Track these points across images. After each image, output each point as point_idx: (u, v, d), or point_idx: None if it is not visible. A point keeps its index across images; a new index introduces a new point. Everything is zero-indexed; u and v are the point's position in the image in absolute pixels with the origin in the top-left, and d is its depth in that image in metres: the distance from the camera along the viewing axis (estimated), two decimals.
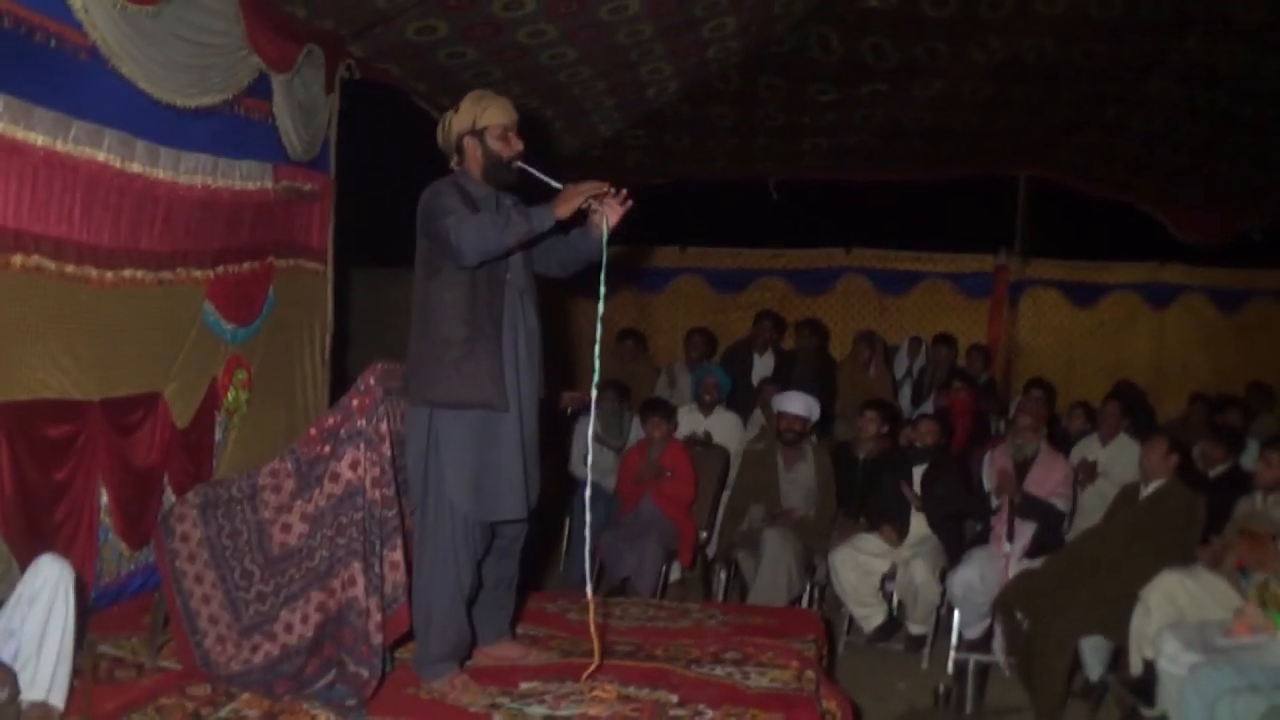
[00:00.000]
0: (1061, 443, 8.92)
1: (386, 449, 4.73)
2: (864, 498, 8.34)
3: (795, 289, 13.61)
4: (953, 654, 7.26)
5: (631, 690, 4.77)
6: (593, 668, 4.70)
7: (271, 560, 4.82)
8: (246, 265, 6.56)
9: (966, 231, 13.47)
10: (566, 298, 9.93)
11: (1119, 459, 8.84)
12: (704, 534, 8.59)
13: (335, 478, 4.68)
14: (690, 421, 9.52)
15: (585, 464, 8.83)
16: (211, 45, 5.74)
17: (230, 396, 6.49)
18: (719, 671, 5.08)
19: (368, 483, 4.65)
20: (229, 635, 4.82)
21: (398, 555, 4.74)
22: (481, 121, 4.85)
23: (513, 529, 5.06)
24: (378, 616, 4.60)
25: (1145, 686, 5.97)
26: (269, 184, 6.63)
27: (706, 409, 9.71)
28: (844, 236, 13.68)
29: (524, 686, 4.83)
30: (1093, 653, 6.64)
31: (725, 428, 9.65)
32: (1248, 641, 5.57)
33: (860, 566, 7.71)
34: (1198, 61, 10.18)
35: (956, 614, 7.35)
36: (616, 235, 4.70)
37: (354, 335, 9.11)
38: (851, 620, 7.88)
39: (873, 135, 12.05)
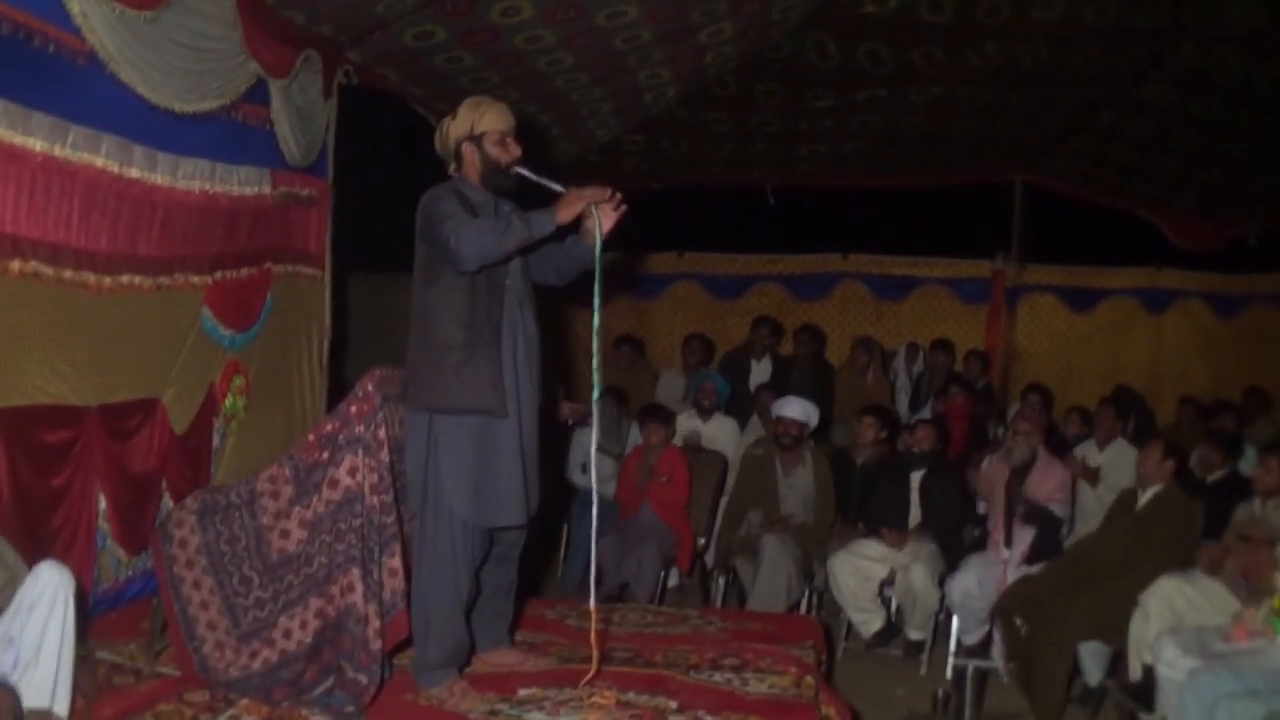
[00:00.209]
0: (1059, 448, 8.92)
1: (385, 455, 4.72)
2: (862, 503, 8.33)
3: (792, 294, 13.61)
4: (951, 660, 7.25)
5: (630, 696, 4.76)
6: (590, 675, 4.71)
7: (270, 566, 4.82)
8: (244, 271, 6.55)
9: (963, 237, 13.47)
10: (564, 304, 9.93)
11: (1116, 463, 8.86)
12: (702, 540, 8.57)
13: (334, 484, 4.67)
14: (687, 426, 9.53)
15: (583, 472, 8.87)
16: (209, 51, 5.73)
17: (228, 402, 6.48)
18: (718, 678, 5.07)
19: (366, 489, 4.64)
20: (227, 641, 4.81)
21: (396, 562, 4.74)
22: (480, 127, 4.86)
23: (511, 535, 5.06)
24: (376, 623, 4.60)
25: (1144, 692, 5.96)
26: (267, 189, 6.63)
27: (705, 414, 9.72)
28: (841, 242, 13.69)
29: (522, 693, 4.82)
30: (1091, 658, 6.64)
31: (723, 433, 9.65)
32: (1246, 646, 5.56)
33: (859, 572, 7.70)
34: (1192, 67, 10.21)
35: (955, 620, 7.35)
36: (610, 242, 4.70)
37: (352, 341, 9.11)
38: (850, 626, 7.86)
39: (870, 141, 12.07)
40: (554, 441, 8.05)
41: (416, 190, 4.84)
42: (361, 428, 4.66)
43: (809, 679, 5.10)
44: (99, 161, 5.17)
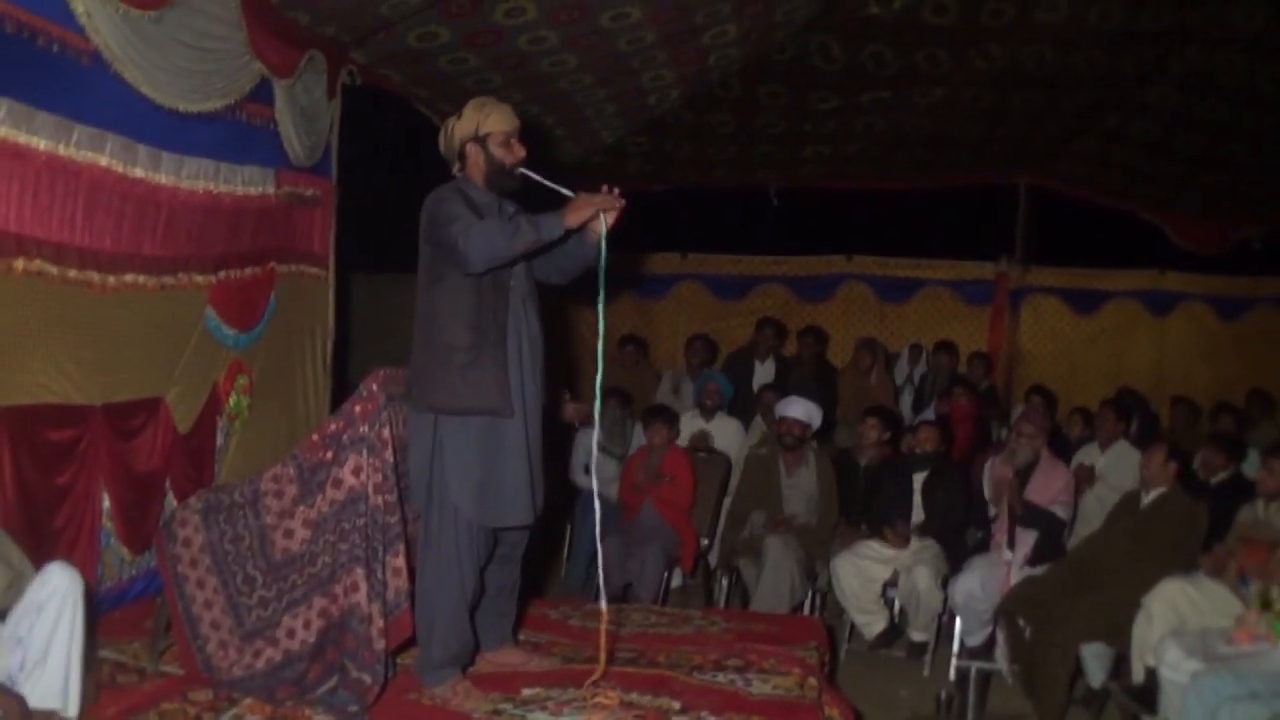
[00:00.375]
0: (1063, 450, 8.92)
1: (389, 455, 4.72)
2: (865, 504, 8.34)
3: (796, 296, 13.64)
4: (954, 661, 7.24)
5: (634, 697, 4.76)
6: (596, 676, 4.71)
7: (274, 566, 4.81)
8: (248, 271, 6.56)
9: (967, 239, 13.50)
10: (567, 303, 9.93)
11: (1117, 465, 8.85)
12: (705, 541, 8.57)
13: (338, 483, 4.67)
14: (692, 427, 9.54)
15: (586, 473, 8.86)
16: (214, 51, 5.74)
17: (232, 402, 6.49)
18: (721, 678, 5.06)
19: (370, 489, 4.64)
20: (231, 641, 4.81)
21: (400, 561, 4.73)
22: (484, 128, 4.85)
23: (515, 535, 5.06)
24: (380, 622, 4.59)
25: (1147, 694, 5.95)
26: (271, 189, 6.64)
27: (708, 414, 9.73)
28: (845, 244, 13.71)
29: (526, 693, 4.82)
30: (1094, 660, 6.63)
31: (727, 433, 9.66)
32: (1249, 649, 5.56)
33: (862, 573, 7.70)
34: (1197, 70, 10.21)
35: (958, 621, 7.34)
36: (613, 242, 4.70)
37: (355, 341, 9.11)
38: (853, 627, 7.86)
39: (874, 143, 12.07)
40: (556, 442, 8.05)
41: (420, 191, 4.84)
42: (366, 427, 4.66)
43: (812, 680, 5.10)
44: (103, 161, 5.18)
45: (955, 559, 7.68)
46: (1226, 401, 10.96)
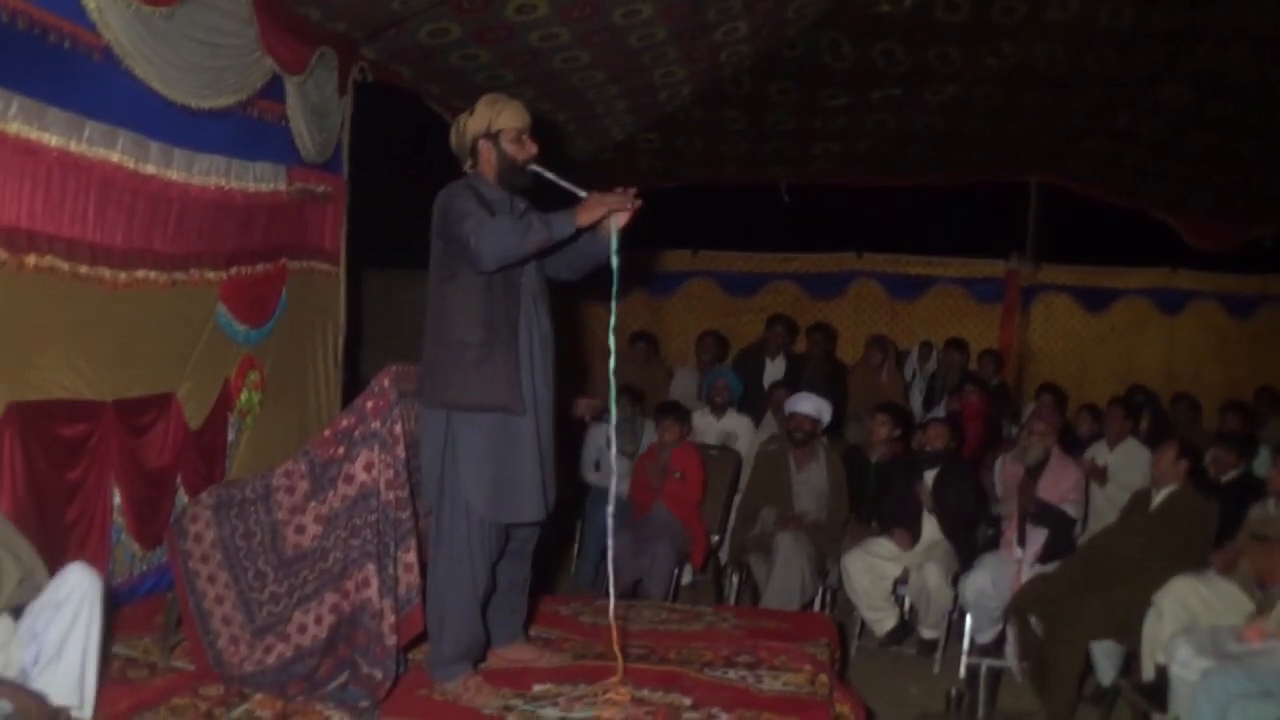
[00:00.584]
0: (1073, 448, 8.91)
1: (401, 451, 4.73)
2: (876, 501, 8.34)
3: (807, 293, 13.63)
4: (965, 658, 7.23)
5: (645, 693, 4.76)
6: (616, 678, 4.72)
7: (285, 561, 4.82)
8: (259, 267, 6.57)
9: (978, 236, 13.47)
10: (577, 300, 9.93)
11: (1126, 463, 8.85)
12: (716, 537, 8.58)
13: (349, 479, 4.68)
14: (705, 424, 9.54)
15: (596, 470, 8.87)
16: (225, 47, 5.75)
17: (243, 398, 6.50)
18: (732, 675, 5.07)
19: (382, 484, 4.65)
20: (242, 636, 4.82)
21: (411, 557, 4.74)
22: (497, 124, 4.85)
23: (526, 531, 5.06)
24: (391, 618, 4.60)
25: (1157, 691, 5.94)
26: (282, 186, 6.65)
27: (718, 411, 9.73)
28: (856, 241, 13.69)
29: (537, 689, 4.83)
30: (1105, 658, 6.62)
31: (737, 430, 9.64)
32: (1260, 647, 5.54)
33: (872, 570, 7.69)
34: (1208, 69, 10.17)
35: (968, 618, 7.34)
36: (624, 239, 4.69)
37: (366, 337, 9.12)
38: (864, 624, 7.86)
39: (884, 140, 12.05)
40: (567, 438, 8.06)
41: (431, 188, 4.84)
42: (377, 423, 4.67)
43: (823, 677, 5.10)
44: (114, 157, 5.18)
45: (966, 556, 7.67)
46: (1236, 399, 10.93)
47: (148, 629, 5.15)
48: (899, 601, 7.83)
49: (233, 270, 6.29)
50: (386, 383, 4.73)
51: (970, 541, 7.85)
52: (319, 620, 4.69)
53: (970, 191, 13.38)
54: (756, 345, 11.65)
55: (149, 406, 5.70)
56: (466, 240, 4.54)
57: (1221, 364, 13.11)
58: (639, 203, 4.60)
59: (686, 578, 8.59)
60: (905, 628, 7.79)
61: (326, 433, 4.87)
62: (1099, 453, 9.17)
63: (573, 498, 8.69)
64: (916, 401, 11.79)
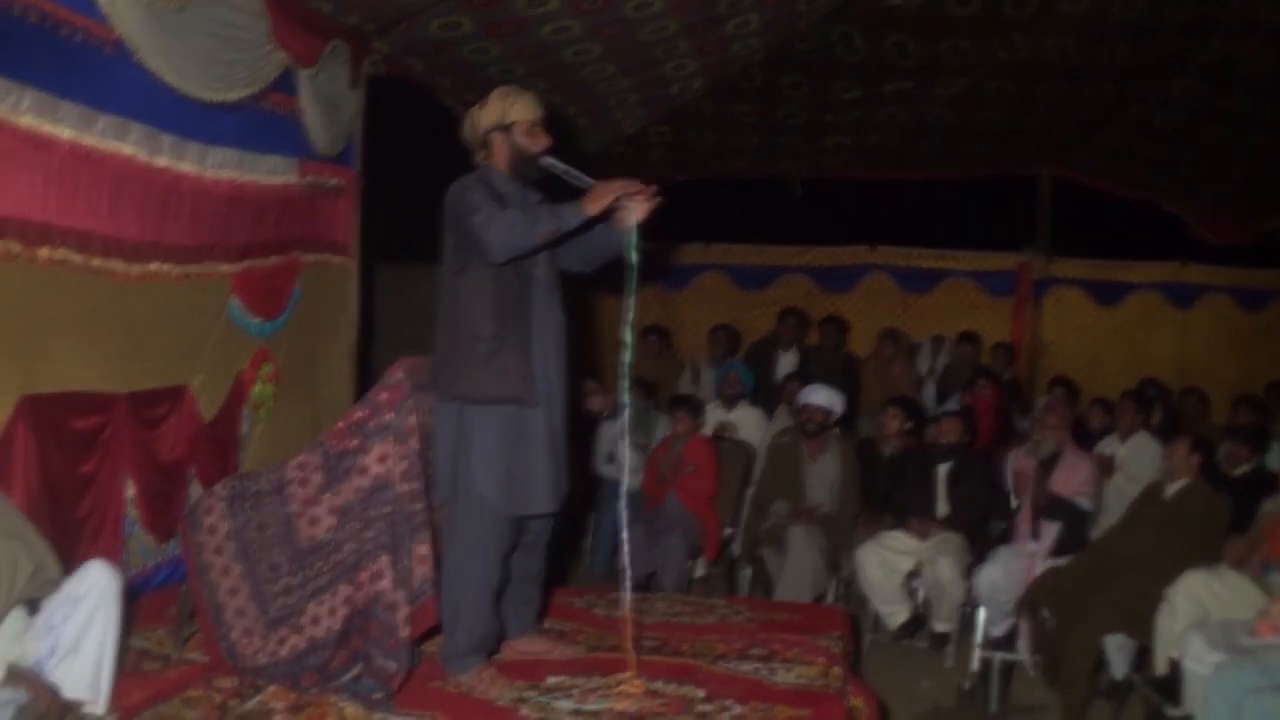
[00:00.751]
0: (1085, 441, 8.89)
1: (414, 443, 4.73)
2: (889, 495, 8.33)
3: (819, 286, 13.63)
4: (977, 652, 7.20)
5: (659, 685, 4.76)
6: (629, 675, 4.72)
7: (299, 553, 4.83)
8: (272, 260, 6.58)
9: (990, 230, 13.48)
10: (590, 292, 9.93)
11: (1138, 456, 8.84)
12: (728, 530, 8.58)
13: (363, 471, 4.69)
14: (714, 417, 9.54)
15: (609, 462, 8.87)
16: (237, 40, 5.75)
17: (256, 390, 6.51)
18: (745, 667, 5.07)
19: (395, 476, 4.66)
20: (256, 628, 4.83)
21: (425, 549, 4.74)
22: (510, 117, 4.85)
23: (539, 523, 5.06)
24: (405, 610, 4.61)
25: (1170, 685, 5.94)
26: (295, 179, 6.66)
27: (730, 403, 9.73)
28: (867, 234, 13.69)
29: (551, 680, 4.83)
30: (1117, 651, 6.61)
31: (749, 423, 9.67)
32: (1273, 641, 5.53)
33: (885, 564, 7.68)
34: (1220, 62, 10.16)
35: (981, 612, 7.31)
36: (640, 232, 4.69)
37: (379, 330, 9.13)
38: (876, 617, 7.85)
39: (896, 133, 12.06)
40: (579, 431, 8.07)
41: (443, 181, 4.84)
42: (392, 415, 4.68)
43: (836, 669, 5.09)
44: (127, 150, 5.19)
45: (979, 550, 7.66)
46: (1248, 393, 10.90)
47: (161, 621, 5.15)
48: (912, 595, 7.80)
49: (245, 263, 6.30)
50: (400, 375, 4.74)
51: (983, 535, 7.83)
52: (333, 612, 4.70)
53: (982, 185, 13.40)
54: (768, 339, 11.69)
55: (162, 399, 5.71)
56: (477, 233, 4.55)
57: (1233, 358, 13.06)
58: (658, 197, 4.60)
59: (699, 570, 8.57)
60: (918, 621, 7.77)
61: (340, 425, 4.87)
62: (1110, 445, 9.16)
63: (586, 491, 8.69)
64: (929, 395, 11.77)
